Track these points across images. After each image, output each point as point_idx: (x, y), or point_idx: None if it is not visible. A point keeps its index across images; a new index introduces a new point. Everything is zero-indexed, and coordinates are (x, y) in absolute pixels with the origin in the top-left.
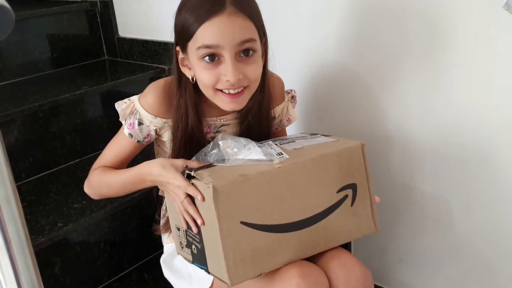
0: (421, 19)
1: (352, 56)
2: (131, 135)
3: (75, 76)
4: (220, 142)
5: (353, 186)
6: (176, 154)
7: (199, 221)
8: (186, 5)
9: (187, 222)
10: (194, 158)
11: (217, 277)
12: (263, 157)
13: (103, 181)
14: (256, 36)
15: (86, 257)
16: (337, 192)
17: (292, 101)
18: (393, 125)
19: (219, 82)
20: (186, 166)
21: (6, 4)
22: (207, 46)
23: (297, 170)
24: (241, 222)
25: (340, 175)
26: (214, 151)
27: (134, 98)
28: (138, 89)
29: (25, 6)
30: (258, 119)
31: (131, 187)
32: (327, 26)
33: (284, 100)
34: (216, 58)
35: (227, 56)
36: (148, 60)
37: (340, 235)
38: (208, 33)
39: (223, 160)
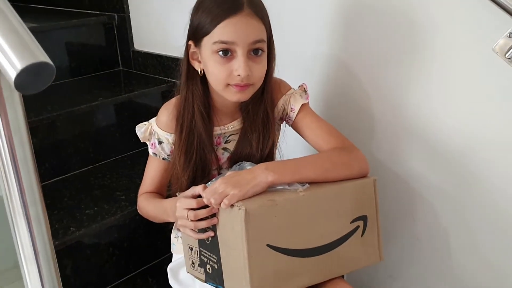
0: None
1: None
2: (155, 154)
3: (91, 85)
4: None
5: (364, 218)
6: (182, 163)
7: (214, 221)
8: (203, 5)
9: (202, 235)
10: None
11: None
12: (287, 186)
13: (145, 210)
14: (265, 38)
15: (95, 260)
16: (351, 223)
17: (301, 95)
18: (387, 149)
19: (230, 77)
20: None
21: (49, 61)
22: (223, 42)
23: (319, 199)
24: (267, 245)
25: (354, 206)
26: None
27: (152, 120)
28: (150, 102)
29: (48, 18)
30: (262, 122)
31: (165, 218)
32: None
33: (284, 94)
34: (229, 54)
35: (240, 53)
36: (161, 74)
37: (350, 262)
38: (226, 30)
39: None
